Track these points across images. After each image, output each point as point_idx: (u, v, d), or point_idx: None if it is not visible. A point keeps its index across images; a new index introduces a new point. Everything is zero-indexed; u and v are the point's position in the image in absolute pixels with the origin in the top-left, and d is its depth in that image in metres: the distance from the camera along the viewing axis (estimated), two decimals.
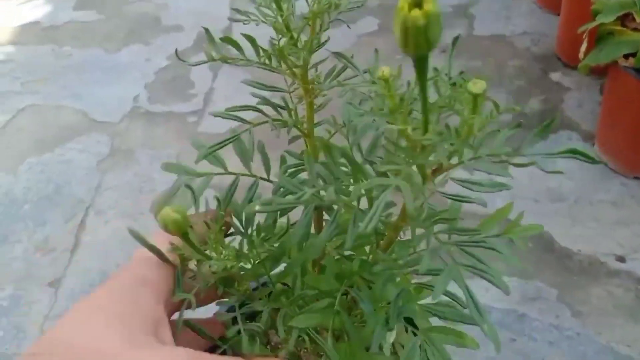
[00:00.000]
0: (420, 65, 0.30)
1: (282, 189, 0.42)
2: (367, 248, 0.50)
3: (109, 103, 1.87)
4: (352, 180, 0.38)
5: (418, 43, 0.28)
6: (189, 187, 0.43)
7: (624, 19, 1.46)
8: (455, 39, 0.39)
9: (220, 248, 0.40)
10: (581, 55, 1.48)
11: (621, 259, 1.26)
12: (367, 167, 0.39)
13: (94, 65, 2.06)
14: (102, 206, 1.51)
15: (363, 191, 0.36)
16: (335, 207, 0.39)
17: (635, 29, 1.43)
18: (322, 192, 0.37)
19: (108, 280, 0.37)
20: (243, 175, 0.46)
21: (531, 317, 1.16)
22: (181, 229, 0.37)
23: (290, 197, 0.36)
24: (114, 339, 0.32)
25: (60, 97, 1.91)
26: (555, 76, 1.81)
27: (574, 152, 0.36)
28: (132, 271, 0.38)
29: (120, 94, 1.91)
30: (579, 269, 1.25)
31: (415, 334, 0.56)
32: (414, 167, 0.34)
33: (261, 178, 0.46)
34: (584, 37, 1.46)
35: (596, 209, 1.39)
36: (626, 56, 1.40)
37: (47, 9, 2.39)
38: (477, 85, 0.32)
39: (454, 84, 0.36)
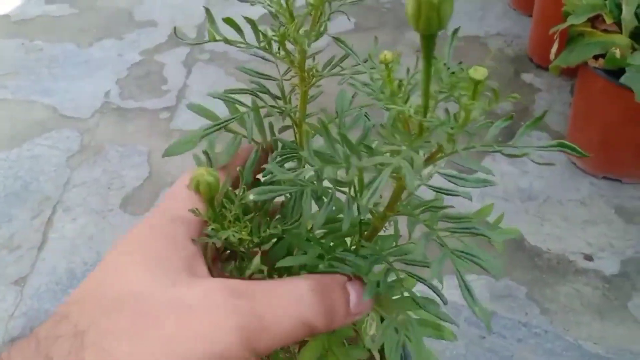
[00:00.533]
0: (428, 44, 0.30)
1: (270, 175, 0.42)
2: (348, 242, 0.49)
3: (80, 98, 1.84)
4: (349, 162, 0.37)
5: (430, 19, 0.27)
6: (205, 153, 0.42)
7: (594, 21, 1.48)
8: (455, 31, 0.39)
9: (238, 222, 0.40)
10: (552, 56, 1.50)
11: (589, 258, 1.28)
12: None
13: (65, 60, 2.03)
14: (70, 203, 1.49)
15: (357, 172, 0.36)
16: (325, 198, 0.39)
17: (605, 31, 1.45)
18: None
19: (141, 222, 0.36)
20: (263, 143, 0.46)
21: (500, 314, 1.17)
22: (211, 193, 0.36)
23: (288, 175, 0.35)
24: (149, 279, 0.31)
25: (30, 92, 1.88)
26: (527, 77, 1.83)
27: (562, 146, 0.37)
28: (164, 209, 0.37)
29: (92, 90, 1.88)
30: (548, 267, 1.27)
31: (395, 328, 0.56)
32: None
33: None
34: (554, 38, 1.48)
35: (565, 209, 1.40)
36: (596, 57, 1.42)
37: (17, 2, 2.35)
38: (478, 72, 0.32)
39: (453, 73, 0.35)
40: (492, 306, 1.18)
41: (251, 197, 0.37)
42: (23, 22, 2.23)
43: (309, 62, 0.44)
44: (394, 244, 0.46)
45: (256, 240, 0.41)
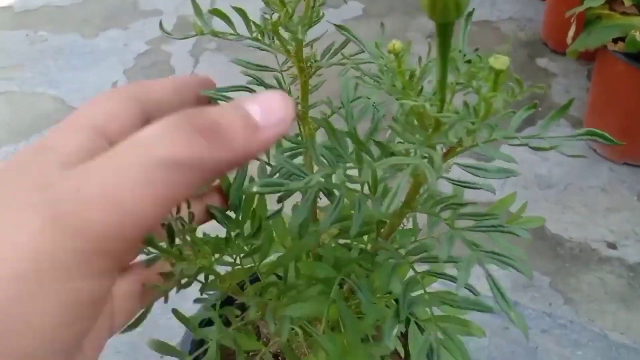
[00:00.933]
0: (444, 34, 0.27)
1: (281, 171, 0.39)
2: (365, 237, 0.47)
3: (87, 89, 1.81)
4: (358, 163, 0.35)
5: (446, 8, 0.25)
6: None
7: (612, 3, 1.44)
8: (469, 14, 0.36)
9: (194, 247, 0.35)
10: (569, 40, 1.46)
11: (612, 246, 1.25)
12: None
13: (71, 51, 1.99)
14: None
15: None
16: (336, 192, 0.36)
17: (624, 13, 1.42)
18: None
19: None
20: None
21: (524, 305, 1.15)
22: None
23: (297, 183, 0.33)
24: None
25: (36, 84, 1.85)
26: (541, 62, 1.79)
27: (591, 134, 0.34)
28: (38, 141, 0.27)
29: (98, 80, 1.85)
30: (571, 256, 1.24)
31: (417, 324, 0.54)
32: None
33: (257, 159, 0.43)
34: (572, 21, 1.44)
35: (586, 195, 1.38)
36: (615, 40, 1.39)
37: None
38: (499, 61, 0.29)
39: (469, 61, 0.33)
40: (515, 296, 1.16)
41: (255, 189, 0.34)
42: (27, 13, 2.19)
43: (307, 51, 0.42)
44: (413, 238, 0.44)
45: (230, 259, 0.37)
